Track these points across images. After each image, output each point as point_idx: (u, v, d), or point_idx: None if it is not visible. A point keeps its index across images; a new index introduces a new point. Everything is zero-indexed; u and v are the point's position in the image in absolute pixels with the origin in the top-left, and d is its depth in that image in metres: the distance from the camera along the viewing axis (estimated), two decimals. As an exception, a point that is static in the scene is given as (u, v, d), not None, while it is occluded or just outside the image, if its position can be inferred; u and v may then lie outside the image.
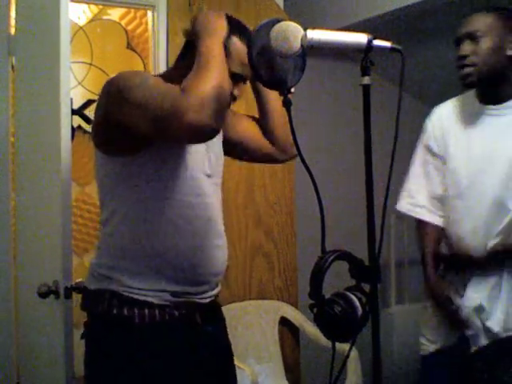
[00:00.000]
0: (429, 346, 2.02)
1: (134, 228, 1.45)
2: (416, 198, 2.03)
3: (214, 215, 1.56)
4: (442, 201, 2.00)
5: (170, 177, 1.45)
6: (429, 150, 2.01)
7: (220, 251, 1.56)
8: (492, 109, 1.86)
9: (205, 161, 1.54)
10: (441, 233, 2.00)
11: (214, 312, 1.60)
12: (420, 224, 2.04)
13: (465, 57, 1.80)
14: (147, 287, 1.44)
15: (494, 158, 1.84)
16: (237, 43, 1.46)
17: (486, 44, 1.79)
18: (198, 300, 1.51)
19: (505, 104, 1.84)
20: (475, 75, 1.80)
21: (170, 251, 1.46)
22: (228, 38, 1.44)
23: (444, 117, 1.98)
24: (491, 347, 1.83)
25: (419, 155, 2.05)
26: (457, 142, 1.92)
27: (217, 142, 1.63)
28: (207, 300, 1.55)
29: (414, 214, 2.04)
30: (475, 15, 1.83)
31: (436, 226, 2.01)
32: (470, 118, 1.90)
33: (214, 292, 1.58)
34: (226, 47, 1.43)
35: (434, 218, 2.01)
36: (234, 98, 1.52)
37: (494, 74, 1.81)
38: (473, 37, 1.80)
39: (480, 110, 1.89)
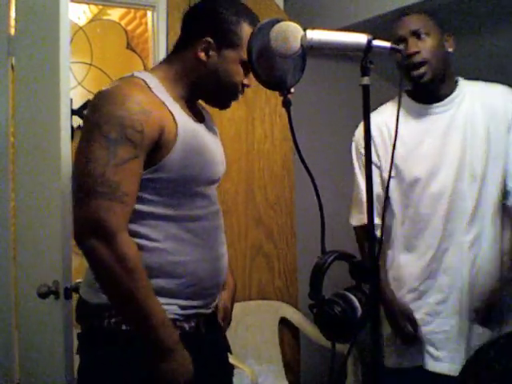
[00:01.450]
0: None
1: (139, 246, 1.37)
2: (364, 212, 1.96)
3: (220, 223, 1.54)
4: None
5: (172, 192, 1.41)
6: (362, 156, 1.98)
7: (224, 260, 1.54)
8: (435, 107, 1.88)
9: (212, 166, 1.50)
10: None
11: (214, 320, 1.59)
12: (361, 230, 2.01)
13: (414, 54, 1.79)
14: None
15: (446, 152, 1.85)
16: (248, 30, 1.44)
17: (431, 41, 1.80)
18: (203, 311, 1.50)
19: (445, 100, 1.87)
20: (430, 73, 1.81)
21: (177, 269, 1.42)
22: (238, 24, 1.45)
23: (379, 125, 1.93)
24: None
25: (356, 162, 2.04)
26: (404, 145, 1.89)
27: (218, 143, 1.62)
28: (210, 310, 1.54)
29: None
30: (411, 16, 1.84)
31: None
32: (413, 119, 1.89)
33: (217, 301, 1.57)
34: (239, 36, 1.44)
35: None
36: (243, 88, 1.52)
37: (440, 71, 1.83)
38: (417, 35, 1.81)
39: (422, 109, 1.90)
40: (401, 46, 1.25)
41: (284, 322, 2.91)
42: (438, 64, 1.81)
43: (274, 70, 1.27)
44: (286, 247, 2.95)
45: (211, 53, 1.46)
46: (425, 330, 1.88)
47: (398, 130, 1.87)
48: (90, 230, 1.29)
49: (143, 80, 1.43)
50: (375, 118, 1.77)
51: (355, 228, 2.06)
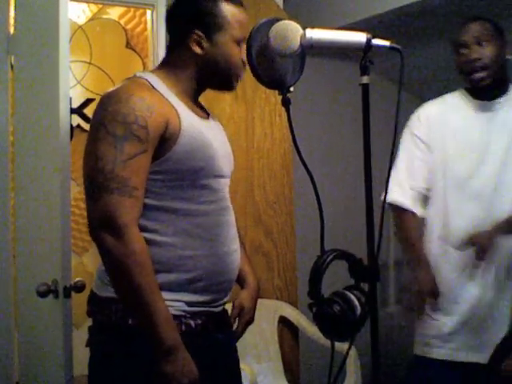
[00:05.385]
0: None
1: (148, 240, 1.38)
2: (403, 189, 2.08)
3: (231, 219, 1.53)
4: (422, 195, 2.08)
5: (179, 185, 1.41)
6: (418, 138, 2.08)
7: (235, 256, 1.53)
8: (487, 105, 2.02)
9: (218, 161, 1.49)
10: (423, 225, 2.10)
11: (224, 320, 1.58)
12: (404, 216, 2.09)
13: (476, 60, 1.93)
14: (163, 297, 1.38)
15: (491, 148, 1.99)
16: (229, 8, 1.46)
17: (492, 48, 1.94)
18: (211, 309, 1.49)
19: (497, 100, 2.01)
20: (489, 78, 1.95)
21: (187, 263, 1.42)
22: (217, 6, 1.46)
23: (438, 111, 2.08)
24: None
25: (405, 147, 2.11)
26: (454, 135, 2.03)
27: (224, 140, 1.62)
28: (219, 308, 1.53)
29: (400, 204, 2.07)
30: (475, 23, 1.97)
31: (420, 219, 2.10)
32: (466, 114, 2.04)
33: (227, 299, 1.55)
34: (223, 17, 1.45)
35: (419, 210, 2.09)
36: (244, 65, 1.50)
37: (498, 76, 1.97)
38: (479, 42, 1.94)
39: (475, 106, 2.03)
40: (399, 46, 1.28)
41: (283, 321, 2.91)
42: (496, 69, 1.95)
43: (273, 69, 1.28)
44: (285, 246, 2.95)
45: (203, 43, 1.47)
46: None
47: (453, 122, 2.01)
48: (100, 225, 1.32)
49: (146, 79, 1.45)
50: (438, 104, 2.09)
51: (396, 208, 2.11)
